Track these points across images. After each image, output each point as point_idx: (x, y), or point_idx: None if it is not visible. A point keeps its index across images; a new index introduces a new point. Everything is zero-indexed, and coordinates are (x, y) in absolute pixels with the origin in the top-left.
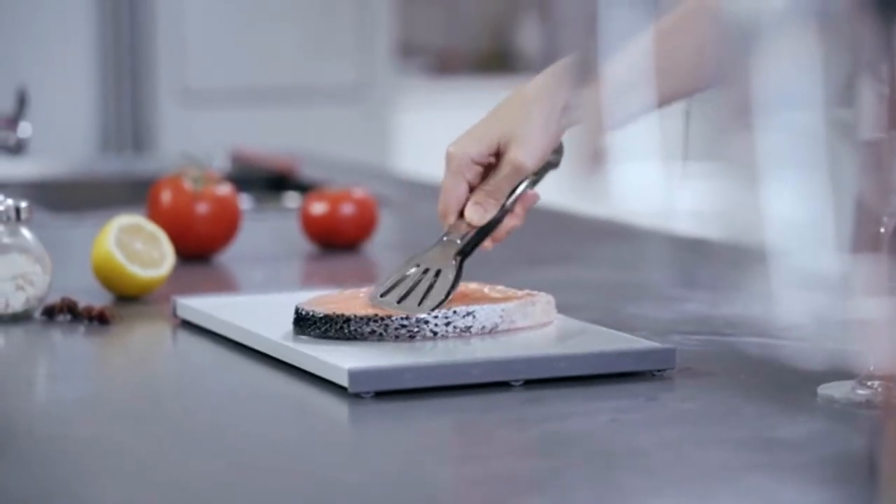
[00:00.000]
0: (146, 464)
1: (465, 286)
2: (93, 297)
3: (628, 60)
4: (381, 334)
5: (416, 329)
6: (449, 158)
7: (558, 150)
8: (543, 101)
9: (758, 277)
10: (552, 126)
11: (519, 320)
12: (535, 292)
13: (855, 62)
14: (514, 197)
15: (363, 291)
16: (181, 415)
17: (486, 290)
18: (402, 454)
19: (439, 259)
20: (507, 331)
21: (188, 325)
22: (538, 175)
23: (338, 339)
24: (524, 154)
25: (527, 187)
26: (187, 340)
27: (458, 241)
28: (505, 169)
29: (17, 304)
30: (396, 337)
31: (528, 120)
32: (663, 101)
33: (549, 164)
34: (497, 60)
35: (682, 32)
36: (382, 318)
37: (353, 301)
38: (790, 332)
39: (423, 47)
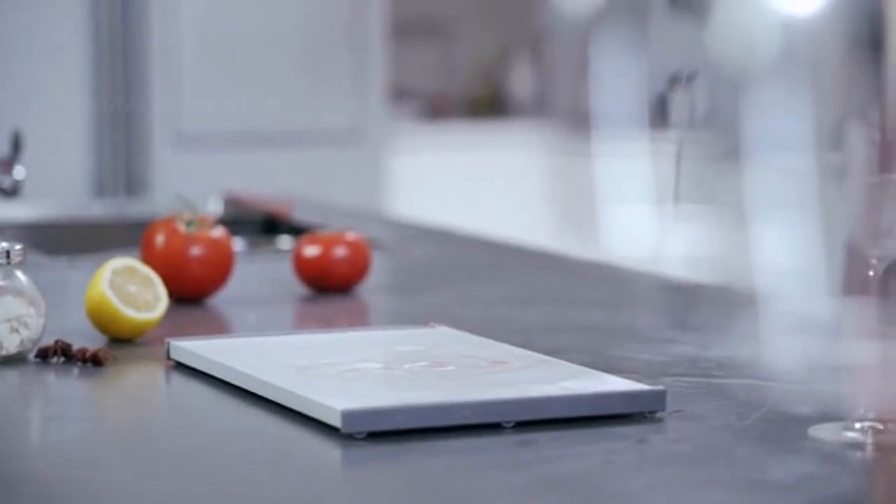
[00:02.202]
0: None
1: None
2: (87, 339)
3: None
4: None
5: None
6: None
7: None
8: None
9: (748, 320)
10: None
11: None
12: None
13: (845, 107)
14: None
15: None
16: (175, 456)
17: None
18: (395, 496)
19: None
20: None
21: (182, 367)
22: None
23: None
24: None
25: None
26: (181, 382)
27: None
28: None
29: (11, 346)
30: None
31: None
32: None
33: None
34: (489, 105)
35: None
36: None
37: None
38: (780, 374)
39: (417, 92)
